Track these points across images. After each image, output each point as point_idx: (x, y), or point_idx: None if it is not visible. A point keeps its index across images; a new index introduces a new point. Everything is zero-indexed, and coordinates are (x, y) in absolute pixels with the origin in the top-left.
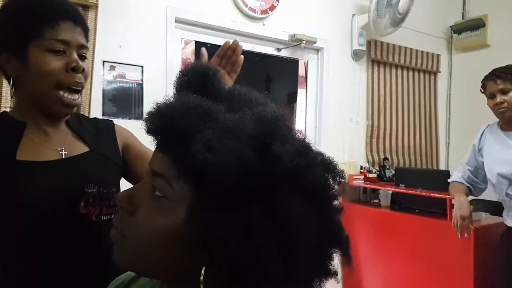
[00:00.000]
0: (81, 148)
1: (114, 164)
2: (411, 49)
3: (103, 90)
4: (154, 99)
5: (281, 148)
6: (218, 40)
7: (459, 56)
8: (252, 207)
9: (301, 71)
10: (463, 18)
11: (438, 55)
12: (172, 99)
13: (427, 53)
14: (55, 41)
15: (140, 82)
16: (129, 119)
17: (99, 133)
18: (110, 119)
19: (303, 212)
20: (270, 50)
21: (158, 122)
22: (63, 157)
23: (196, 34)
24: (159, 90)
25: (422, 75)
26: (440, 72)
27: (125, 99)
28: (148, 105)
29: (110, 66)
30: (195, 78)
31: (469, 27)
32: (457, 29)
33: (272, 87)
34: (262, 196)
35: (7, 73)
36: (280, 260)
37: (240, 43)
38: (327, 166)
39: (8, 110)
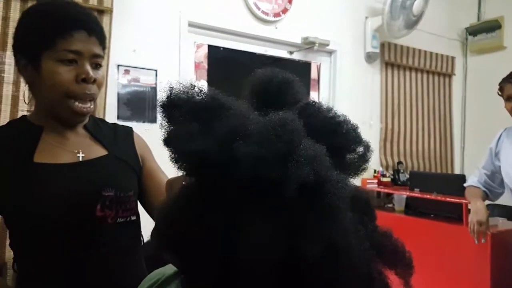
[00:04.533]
0: (99, 151)
1: (132, 169)
2: (425, 52)
3: (118, 94)
4: None
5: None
6: (231, 43)
7: (474, 58)
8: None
9: (313, 74)
10: (478, 19)
11: (453, 58)
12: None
13: (442, 55)
14: (67, 51)
15: (154, 86)
16: (143, 122)
17: (117, 138)
18: (126, 123)
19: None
20: (282, 53)
21: None
22: (80, 160)
23: (209, 38)
24: None
25: (436, 77)
26: (455, 74)
27: (139, 103)
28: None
29: (124, 70)
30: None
31: (485, 29)
32: (472, 31)
33: None
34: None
35: (25, 79)
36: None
37: (253, 46)
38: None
39: (25, 113)
